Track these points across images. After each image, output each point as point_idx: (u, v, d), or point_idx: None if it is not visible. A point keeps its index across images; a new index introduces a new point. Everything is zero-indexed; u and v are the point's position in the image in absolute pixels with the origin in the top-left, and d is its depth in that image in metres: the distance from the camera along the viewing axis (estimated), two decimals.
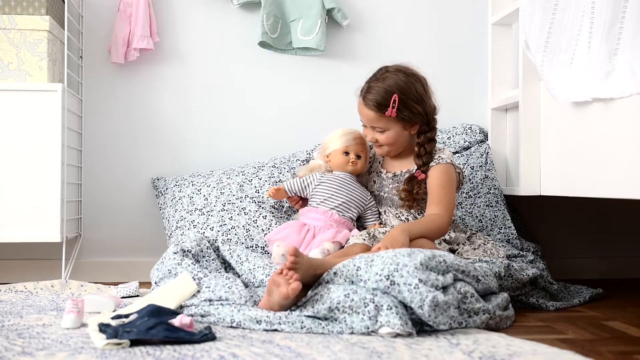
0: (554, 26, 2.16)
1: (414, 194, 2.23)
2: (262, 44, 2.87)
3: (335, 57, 2.95)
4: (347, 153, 2.36)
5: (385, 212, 2.36)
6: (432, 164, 2.25)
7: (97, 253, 2.86)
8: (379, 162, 2.42)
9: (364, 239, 2.17)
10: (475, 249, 2.25)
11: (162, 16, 2.89)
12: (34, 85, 2.51)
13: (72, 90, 2.71)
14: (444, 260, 1.81)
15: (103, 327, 1.69)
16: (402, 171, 2.33)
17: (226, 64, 2.92)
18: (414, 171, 2.28)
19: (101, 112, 2.87)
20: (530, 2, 2.24)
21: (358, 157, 2.36)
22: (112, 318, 1.77)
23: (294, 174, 2.62)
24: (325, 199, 2.34)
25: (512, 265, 2.16)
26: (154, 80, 2.88)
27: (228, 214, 2.54)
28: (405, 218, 2.32)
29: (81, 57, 2.84)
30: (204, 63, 2.91)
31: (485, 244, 2.28)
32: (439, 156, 2.27)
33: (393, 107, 2.17)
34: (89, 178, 2.85)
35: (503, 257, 2.23)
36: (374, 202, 2.38)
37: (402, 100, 2.18)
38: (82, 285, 2.44)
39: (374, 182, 2.40)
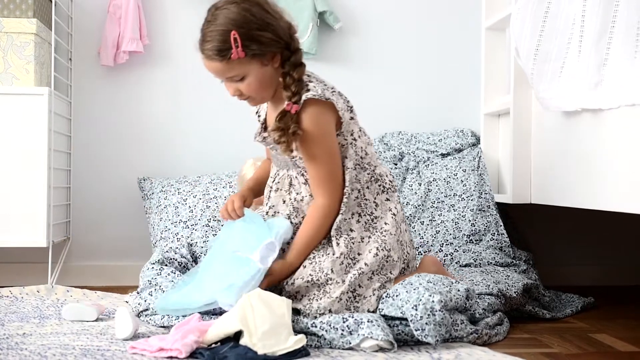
0: (545, 33, 2.13)
1: (288, 133, 1.78)
2: None
3: (327, 60, 2.92)
4: None
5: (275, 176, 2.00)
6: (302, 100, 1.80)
7: (87, 256, 2.84)
8: (263, 126, 1.99)
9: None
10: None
11: (152, 18, 2.86)
12: (21, 89, 2.48)
13: (61, 93, 2.69)
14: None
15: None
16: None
17: None
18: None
19: (91, 114, 2.85)
20: (521, 7, 2.21)
21: None
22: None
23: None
24: None
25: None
26: (144, 83, 2.86)
27: (212, 230, 2.50)
28: (292, 203, 1.93)
29: (70, 59, 2.82)
30: (194, 66, 2.87)
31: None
32: (305, 92, 1.79)
33: (237, 47, 1.77)
34: (78, 181, 2.83)
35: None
36: None
37: (244, 34, 1.77)
38: (67, 291, 2.42)
39: (271, 147, 1.96)
